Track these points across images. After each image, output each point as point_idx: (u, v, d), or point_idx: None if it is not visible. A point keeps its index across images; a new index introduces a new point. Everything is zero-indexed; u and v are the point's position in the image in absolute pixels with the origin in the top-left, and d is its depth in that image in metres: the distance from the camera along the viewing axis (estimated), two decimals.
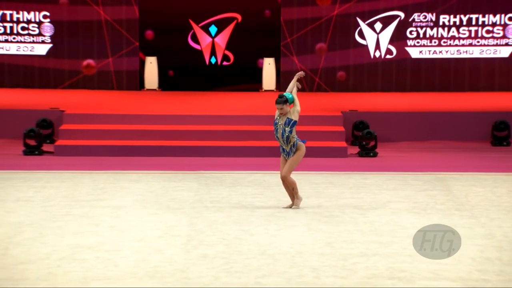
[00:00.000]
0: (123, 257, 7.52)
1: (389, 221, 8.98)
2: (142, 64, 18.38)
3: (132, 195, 10.40)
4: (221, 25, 18.46)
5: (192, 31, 18.43)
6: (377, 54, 18.42)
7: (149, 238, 8.20)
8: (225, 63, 18.59)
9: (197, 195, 10.42)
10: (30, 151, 13.78)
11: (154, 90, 18.31)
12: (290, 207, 9.59)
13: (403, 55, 18.41)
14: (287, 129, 9.33)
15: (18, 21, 18.12)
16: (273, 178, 11.35)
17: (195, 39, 18.48)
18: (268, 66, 18.30)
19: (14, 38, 18.14)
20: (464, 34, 18.34)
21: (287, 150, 9.39)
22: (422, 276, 7.03)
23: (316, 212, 9.43)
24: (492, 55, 18.40)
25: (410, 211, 9.51)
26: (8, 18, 18.11)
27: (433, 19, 18.30)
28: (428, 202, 10.06)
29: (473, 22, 18.33)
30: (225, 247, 7.88)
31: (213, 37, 18.49)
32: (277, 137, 9.42)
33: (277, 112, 9.49)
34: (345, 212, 9.47)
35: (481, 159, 13.73)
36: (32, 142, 13.93)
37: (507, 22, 18.31)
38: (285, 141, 9.37)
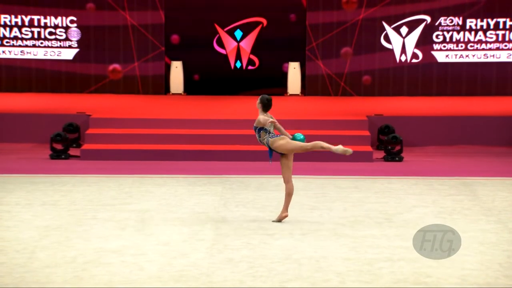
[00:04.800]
0: (148, 261, 7.54)
1: (415, 226, 8.92)
2: (167, 68, 18.45)
3: (157, 199, 10.43)
4: (246, 30, 18.48)
5: (218, 35, 18.47)
6: (403, 58, 18.33)
7: (174, 242, 8.21)
8: (250, 67, 18.60)
9: (222, 199, 10.43)
10: (56, 155, 13.87)
11: (180, 94, 18.36)
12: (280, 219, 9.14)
13: (429, 59, 18.31)
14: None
15: (45, 26, 18.27)
16: (298, 183, 11.33)
17: (221, 43, 18.52)
18: (293, 71, 18.29)
19: (41, 43, 18.29)
20: (491, 38, 18.20)
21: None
22: (448, 281, 6.98)
23: (341, 217, 9.40)
24: None
25: (436, 216, 9.45)
26: (35, 23, 18.27)
27: (460, 23, 18.19)
28: (455, 207, 9.99)
29: (500, 26, 18.19)
30: (250, 251, 7.87)
31: (238, 42, 18.52)
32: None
33: (265, 118, 9.00)
34: (370, 216, 9.43)
35: (508, 164, 13.61)
36: (58, 146, 14.02)
37: None
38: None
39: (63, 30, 18.26)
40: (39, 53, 18.33)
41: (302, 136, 9.13)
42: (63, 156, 13.85)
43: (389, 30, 18.25)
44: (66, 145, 14.01)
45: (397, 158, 13.88)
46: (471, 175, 12.30)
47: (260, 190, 11.04)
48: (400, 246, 8.04)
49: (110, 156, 13.73)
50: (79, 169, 12.81)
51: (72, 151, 14.13)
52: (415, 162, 13.75)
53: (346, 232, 8.64)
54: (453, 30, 18.23)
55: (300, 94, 18.22)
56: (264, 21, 18.45)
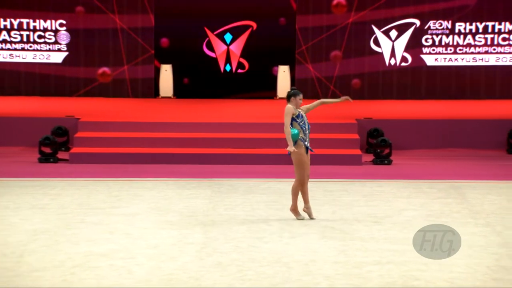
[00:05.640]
0: (137, 265, 7.53)
1: (403, 229, 8.94)
2: (157, 72, 18.44)
3: (146, 202, 10.42)
4: (236, 33, 18.49)
5: (207, 39, 18.48)
6: (392, 61, 18.38)
7: (163, 246, 8.20)
8: (240, 70, 18.61)
9: (211, 203, 10.42)
10: (45, 158, 13.83)
11: (169, 97, 18.35)
12: (311, 217, 9.40)
13: (418, 63, 18.37)
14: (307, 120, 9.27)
15: (34, 30, 18.23)
16: (287, 186, 11.33)
17: (210, 46, 18.52)
18: (283, 74, 18.31)
19: (30, 46, 18.25)
20: (480, 41, 18.28)
21: (308, 145, 9.28)
22: (437, 284, 6.99)
23: (330, 220, 9.41)
24: (508, 63, 18.32)
25: (425, 219, 9.46)
26: (24, 27, 18.23)
27: (449, 26, 18.25)
28: (443, 210, 10.01)
29: (489, 30, 18.26)
30: (239, 254, 7.87)
31: (228, 45, 18.52)
32: (305, 129, 9.18)
33: (293, 106, 9.19)
34: (359, 220, 9.44)
35: (497, 167, 13.65)
36: (47, 150, 13.99)
37: None
38: (308, 134, 9.26)
39: (52, 34, 18.23)
40: (28, 57, 18.28)
41: (295, 131, 9.19)
42: (51, 160, 13.82)
43: (378, 33, 18.29)
44: (55, 149, 13.98)
45: (386, 161, 13.91)
46: (460, 178, 12.33)
47: (249, 194, 11.04)
48: (389, 249, 8.05)
49: (99, 159, 13.71)
50: (68, 173, 12.78)
51: (61, 155, 14.10)
52: (404, 165, 13.79)
53: (335, 236, 8.65)
54: (442, 34, 18.29)
55: None
56: (254, 25, 18.47)
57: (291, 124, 9.20)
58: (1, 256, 7.81)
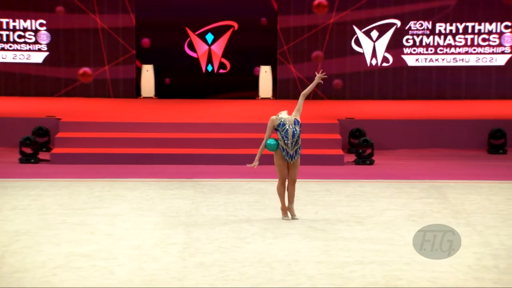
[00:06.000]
0: (119, 265, 7.49)
1: (385, 229, 8.96)
2: (138, 72, 18.38)
3: (128, 203, 10.38)
4: (217, 33, 18.47)
5: (189, 39, 18.45)
6: (374, 62, 18.44)
7: (145, 246, 8.17)
8: (221, 71, 18.59)
9: (194, 203, 10.40)
10: (26, 159, 13.75)
11: (151, 98, 18.30)
12: (293, 217, 9.46)
13: (399, 63, 18.44)
14: (298, 128, 9.22)
15: (14, 29, 18.12)
16: (270, 186, 11.34)
17: (192, 47, 18.49)
18: (265, 74, 18.31)
19: (10, 46, 18.13)
20: (460, 42, 18.38)
21: (291, 153, 9.25)
22: (419, 284, 7.02)
23: (313, 220, 9.42)
24: (488, 63, 18.44)
25: (406, 219, 9.50)
26: (4, 26, 18.11)
27: (429, 27, 18.33)
28: (425, 210, 10.05)
29: (469, 30, 18.36)
30: (221, 255, 7.86)
31: (209, 45, 18.50)
32: (285, 138, 9.17)
33: (280, 114, 9.29)
34: (341, 220, 9.46)
35: (478, 167, 13.73)
36: (28, 150, 13.91)
37: (503, 30, 18.35)
38: (293, 143, 9.19)
39: (33, 33, 18.12)
40: (8, 57, 18.16)
41: (273, 142, 9.19)
42: (32, 160, 13.74)
43: (359, 34, 18.34)
44: (35, 149, 13.90)
45: (368, 162, 13.94)
46: (441, 178, 12.39)
47: (231, 194, 11.03)
48: (371, 249, 8.07)
49: (80, 160, 13.64)
50: (49, 173, 12.71)
51: (42, 155, 14.02)
52: (386, 165, 13.83)
53: (317, 235, 8.65)
54: (422, 34, 18.37)
55: (271, 98, 18.25)
56: (236, 25, 18.46)
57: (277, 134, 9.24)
58: None
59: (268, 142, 9.22)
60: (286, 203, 9.44)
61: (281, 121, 9.23)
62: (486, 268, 7.50)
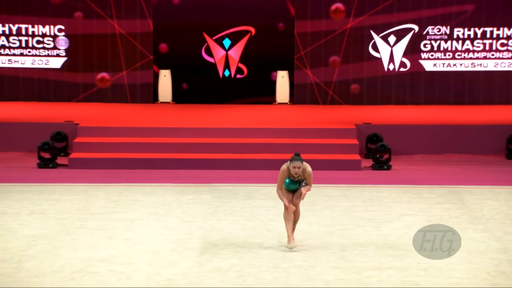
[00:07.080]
0: (136, 270, 7.51)
1: (403, 235, 8.93)
2: (156, 77, 18.44)
3: (145, 208, 10.41)
4: (234, 38, 18.50)
5: (206, 44, 18.48)
6: (391, 67, 18.39)
7: (162, 251, 8.19)
8: (238, 76, 18.61)
9: (211, 208, 10.41)
10: (44, 164, 13.82)
11: (168, 103, 18.34)
12: (293, 247, 8.52)
13: (417, 68, 18.38)
14: (301, 185, 8.49)
15: (33, 35, 18.23)
16: None
17: (209, 52, 18.53)
18: (282, 79, 18.31)
19: (29, 52, 18.25)
20: (479, 47, 18.30)
21: (291, 188, 8.55)
22: None
23: (330, 225, 9.40)
24: (506, 68, 18.34)
25: (424, 225, 9.46)
26: (23, 32, 18.23)
27: (447, 32, 18.27)
28: (442, 216, 10.01)
29: (488, 35, 18.28)
30: (238, 260, 7.86)
31: (226, 50, 18.53)
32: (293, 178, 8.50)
33: (289, 170, 8.43)
34: (358, 225, 9.44)
35: (496, 172, 13.66)
36: (46, 155, 13.97)
37: None
38: (297, 181, 8.53)
39: (51, 39, 18.23)
40: (27, 62, 18.28)
41: (288, 181, 8.52)
42: (50, 165, 13.81)
43: (377, 39, 18.31)
44: (54, 154, 13.97)
45: (385, 167, 13.90)
46: (459, 184, 12.33)
47: (248, 199, 11.03)
48: (388, 255, 8.04)
49: (98, 164, 13.70)
50: (67, 178, 12.76)
51: (60, 160, 14.09)
52: (403, 171, 13.78)
53: (334, 241, 8.64)
54: (440, 39, 18.31)
55: (288, 103, 18.24)
56: (253, 30, 18.48)
57: None
58: (0, 261, 7.80)
59: (286, 182, 8.58)
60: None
61: (290, 177, 8.54)
62: (504, 274, 7.45)
